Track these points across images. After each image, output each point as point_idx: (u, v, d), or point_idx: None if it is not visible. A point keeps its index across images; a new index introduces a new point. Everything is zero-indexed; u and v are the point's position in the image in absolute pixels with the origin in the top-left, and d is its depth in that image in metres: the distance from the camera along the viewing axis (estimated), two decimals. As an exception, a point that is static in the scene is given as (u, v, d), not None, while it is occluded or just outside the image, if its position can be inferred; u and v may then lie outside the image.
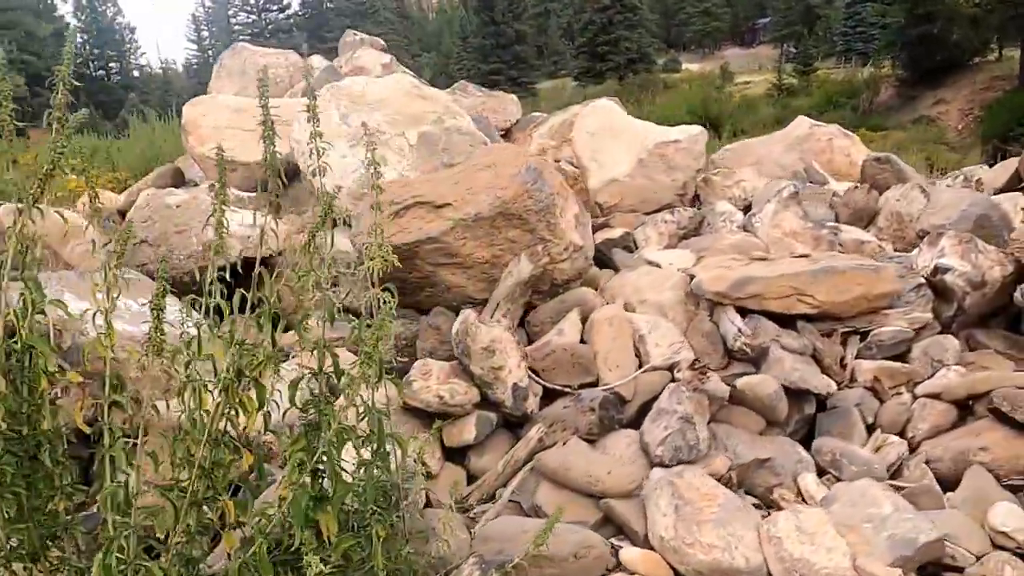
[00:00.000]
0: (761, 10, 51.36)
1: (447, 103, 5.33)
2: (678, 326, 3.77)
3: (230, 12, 48.53)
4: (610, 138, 5.21)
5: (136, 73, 58.72)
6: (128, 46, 59.27)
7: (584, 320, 3.82)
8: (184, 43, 54.66)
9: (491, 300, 3.80)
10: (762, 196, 4.68)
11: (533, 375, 3.48)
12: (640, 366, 3.57)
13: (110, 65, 58.06)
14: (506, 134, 8.18)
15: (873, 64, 29.05)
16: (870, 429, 3.37)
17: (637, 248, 4.62)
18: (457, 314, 4.20)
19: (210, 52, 48.77)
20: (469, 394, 3.24)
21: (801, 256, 3.96)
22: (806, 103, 27.09)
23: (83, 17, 58.76)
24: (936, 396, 3.29)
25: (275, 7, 47.23)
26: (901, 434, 3.29)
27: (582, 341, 3.73)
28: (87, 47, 58.47)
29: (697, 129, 4.99)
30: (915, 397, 3.39)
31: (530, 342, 4.06)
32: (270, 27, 46.93)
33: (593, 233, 4.78)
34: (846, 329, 3.64)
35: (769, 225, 4.46)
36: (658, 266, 4.29)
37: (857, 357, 3.60)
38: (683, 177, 4.91)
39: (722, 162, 7.32)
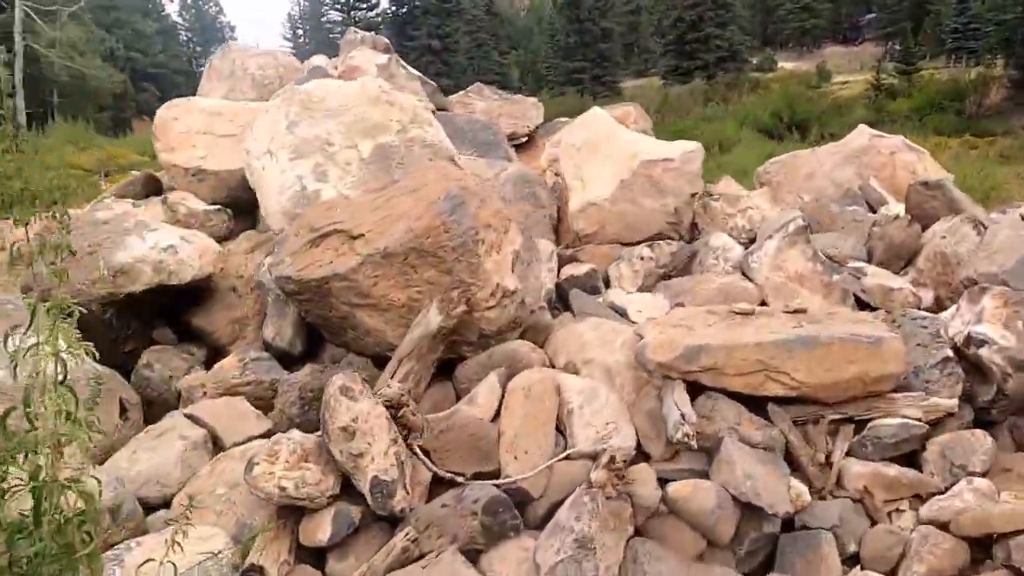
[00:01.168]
0: (866, 5, 48.45)
1: (416, 110, 4.67)
2: (625, 398, 2.99)
3: (321, 10, 49.32)
4: (596, 153, 4.44)
5: (235, 70, 60.46)
6: (227, 43, 61.35)
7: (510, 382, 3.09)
8: (280, 42, 56.06)
9: (394, 356, 3.12)
10: (766, 229, 3.81)
11: (423, 457, 2.78)
12: (565, 449, 2.82)
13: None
14: (529, 140, 7.47)
15: (982, 63, 26.56)
16: (853, 559, 2.52)
17: (608, 288, 3.84)
18: (375, 363, 3.56)
19: (306, 50, 49.90)
20: (323, 483, 2.57)
21: (796, 311, 3.10)
22: (905, 105, 25.05)
23: (188, 16, 61.16)
24: (943, 526, 2.41)
25: (364, 5, 47.76)
26: (892, 574, 2.43)
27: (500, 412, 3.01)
28: (191, 45, 60.87)
29: (692, 146, 4.14)
30: (919, 520, 2.51)
31: (457, 399, 3.38)
32: (359, 24, 47.45)
33: (560, 267, 4.03)
34: (837, 416, 2.78)
35: (769, 266, 3.60)
36: (623, 313, 3.51)
37: (849, 454, 2.73)
38: (674, 202, 4.08)
39: (767, 176, 6.41)
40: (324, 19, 49.85)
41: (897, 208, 4.77)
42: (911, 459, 2.74)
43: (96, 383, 2.01)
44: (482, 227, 3.19)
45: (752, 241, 4.00)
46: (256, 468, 2.57)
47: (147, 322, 4.35)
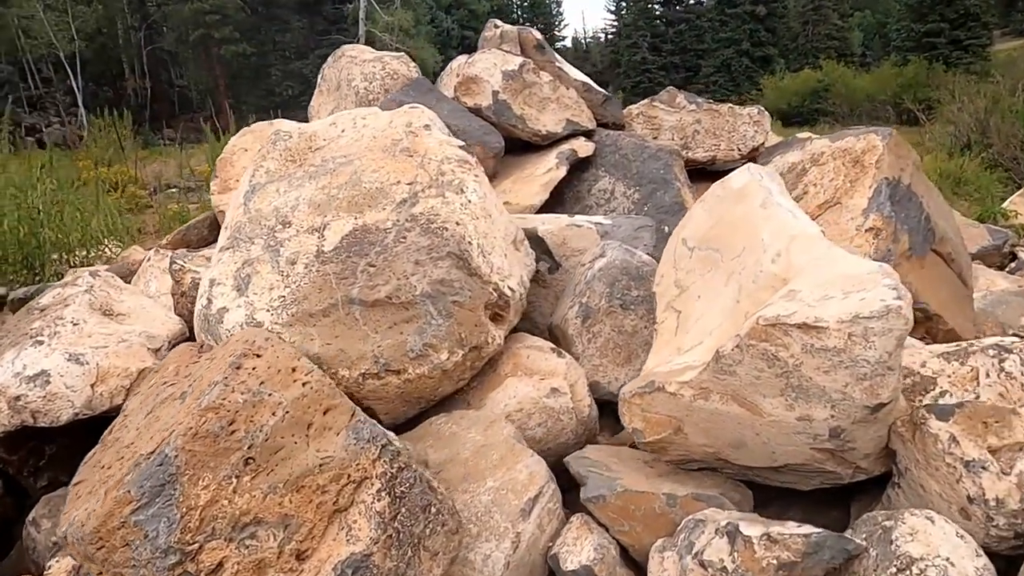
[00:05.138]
0: None
1: (444, 166, 2.88)
2: None
3: (640, -22, 47.36)
4: (715, 266, 2.28)
5: (560, 45, 61.42)
6: (554, 18, 62.44)
7: None
8: (603, 13, 55.45)
9: None
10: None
11: None
12: None
13: (539, 38, 61.66)
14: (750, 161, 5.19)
15: None
16: None
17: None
18: None
19: (623, 22, 49.22)
20: None
21: None
22: None
23: (520, -7, 63.14)
24: None
25: (686, -28, 45.49)
26: None
27: None
28: (519, 20, 63.03)
29: (882, 298, 1.73)
30: None
31: None
32: (675, -6, 45.49)
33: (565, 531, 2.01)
34: None
35: None
36: None
37: None
38: (830, 417, 1.79)
39: None
40: (643, -12, 47.83)
41: None
42: None
43: None
44: (220, 536, 1.37)
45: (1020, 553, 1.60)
46: None
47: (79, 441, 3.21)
